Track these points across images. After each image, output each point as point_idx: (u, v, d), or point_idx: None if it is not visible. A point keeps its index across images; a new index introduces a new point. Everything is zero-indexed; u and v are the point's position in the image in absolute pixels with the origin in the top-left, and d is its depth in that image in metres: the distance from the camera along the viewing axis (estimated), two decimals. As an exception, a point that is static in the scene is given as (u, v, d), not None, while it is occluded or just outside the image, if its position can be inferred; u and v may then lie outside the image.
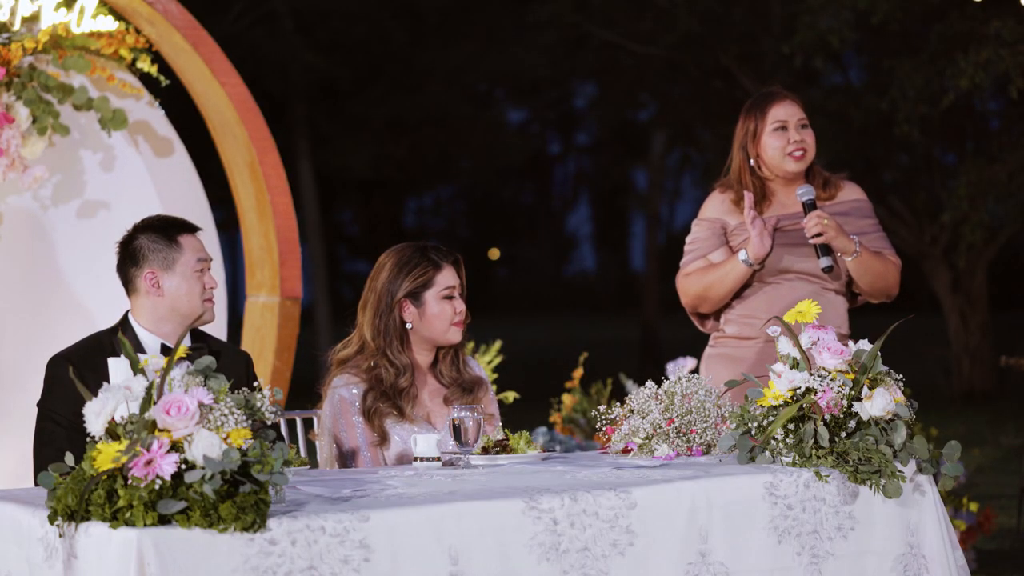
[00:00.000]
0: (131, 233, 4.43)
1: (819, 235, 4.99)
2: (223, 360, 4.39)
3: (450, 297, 4.54)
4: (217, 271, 5.73)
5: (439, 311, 4.53)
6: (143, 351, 4.32)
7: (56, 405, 4.23)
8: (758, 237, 5.00)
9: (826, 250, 5.02)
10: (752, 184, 5.14)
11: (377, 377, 4.50)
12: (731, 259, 5.08)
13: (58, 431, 4.21)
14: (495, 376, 7.95)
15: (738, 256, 5.05)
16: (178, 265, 4.37)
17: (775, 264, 5.09)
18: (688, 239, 5.23)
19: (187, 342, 4.40)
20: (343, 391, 4.50)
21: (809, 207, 5.01)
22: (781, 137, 5.10)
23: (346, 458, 4.49)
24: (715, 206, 5.20)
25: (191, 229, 4.45)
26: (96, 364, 3.89)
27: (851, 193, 5.23)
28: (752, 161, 5.15)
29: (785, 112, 5.11)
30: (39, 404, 4.34)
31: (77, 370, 4.11)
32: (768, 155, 5.12)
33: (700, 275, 5.15)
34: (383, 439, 4.47)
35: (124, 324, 4.42)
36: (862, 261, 5.07)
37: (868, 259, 5.08)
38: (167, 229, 4.41)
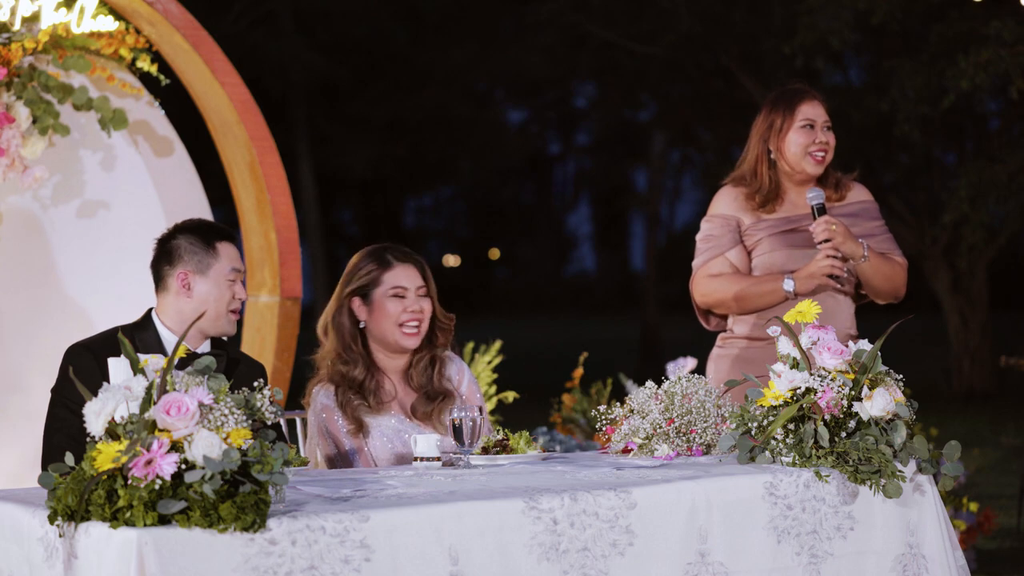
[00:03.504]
0: (171, 231, 4.45)
1: (827, 241, 4.97)
2: (241, 370, 4.40)
3: (399, 296, 4.56)
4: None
5: (386, 309, 4.57)
6: (163, 350, 4.34)
7: (71, 393, 4.23)
8: (819, 275, 4.99)
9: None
10: (768, 179, 5.12)
11: (339, 374, 4.58)
12: (773, 281, 5.02)
13: (71, 419, 4.21)
14: (495, 376, 7.95)
15: (784, 284, 5.02)
16: (212, 271, 4.37)
17: (787, 266, 5.07)
18: (701, 235, 5.18)
19: (207, 348, 4.42)
20: (322, 398, 4.59)
21: (818, 211, 5.00)
22: (807, 135, 5.07)
23: (334, 462, 4.52)
24: (728, 202, 5.17)
25: (231, 238, 4.45)
26: (115, 356, 3.89)
27: (859, 194, 5.22)
28: (772, 155, 5.12)
29: (814, 111, 5.09)
30: (53, 390, 4.35)
31: (96, 360, 4.13)
32: (790, 151, 5.08)
33: (730, 283, 5.09)
34: (359, 427, 4.52)
35: (146, 321, 4.42)
36: (871, 265, 5.05)
37: (877, 262, 5.07)
38: (207, 233, 4.42)
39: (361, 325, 4.60)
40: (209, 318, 4.37)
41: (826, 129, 5.09)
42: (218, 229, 4.46)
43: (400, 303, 4.57)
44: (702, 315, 5.26)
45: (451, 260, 43.41)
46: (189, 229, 4.44)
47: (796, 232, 5.09)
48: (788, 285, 5.01)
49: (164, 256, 4.42)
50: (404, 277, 4.59)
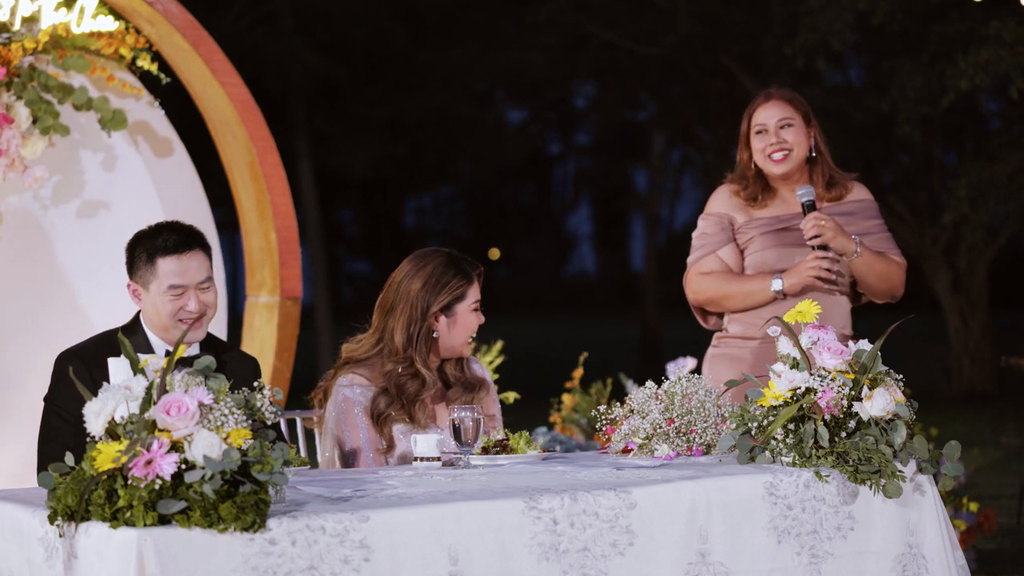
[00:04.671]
0: (133, 240, 4.42)
1: (816, 236, 4.99)
2: (231, 365, 4.39)
3: (476, 311, 4.56)
4: (217, 271, 5.73)
5: (466, 323, 4.54)
6: (152, 353, 4.33)
7: (64, 402, 4.23)
8: (806, 276, 5.00)
9: (823, 251, 5.02)
10: (755, 180, 5.16)
11: (398, 384, 4.49)
12: (761, 280, 5.05)
13: (65, 428, 4.21)
14: (496, 376, 7.96)
15: (771, 284, 5.04)
16: (152, 286, 4.34)
17: (779, 264, 5.09)
18: (696, 233, 5.23)
19: (196, 350, 4.41)
20: (347, 391, 4.50)
21: (808, 208, 5.01)
22: (762, 140, 5.14)
23: (347, 458, 4.49)
24: (723, 201, 5.21)
25: (178, 249, 4.33)
26: (105, 362, 3.91)
27: (858, 193, 5.24)
28: (749, 159, 5.18)
29: (766, 115, 5.14)
30: (46, 399, 4.35)
31: (86, 366, 4.14)
32: (755, 157, 5.16)
33: (720, 281, 5.12)
34: (390, 446, 4.47)
35: (135, 324, 4.43)
36: (864, 261, 5.07)
37: (870, 259, 5.08)
38: (152, 245, 4.34)
39: (435, 335, 4.55)
40: (157, 328, 4.38)
41: (781, 128, 5.11)
42: (167, 241, 4.34)
43: (477, 317, 4.57)
44: (699, 313, 5.28)
45: (451, 260, 43.18)
46: (142, 239, 4.38)
47: (788, 231, 5.12)
48: (776, 285, 5.03)
49: (126, 265, 4.42)
50: (478, 290, 4.60)
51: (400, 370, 4.49)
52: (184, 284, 4.32)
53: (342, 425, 4.49)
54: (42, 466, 4.23)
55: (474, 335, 4.59)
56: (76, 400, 4.10)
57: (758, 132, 5.14)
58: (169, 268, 4.32)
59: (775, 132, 5.11)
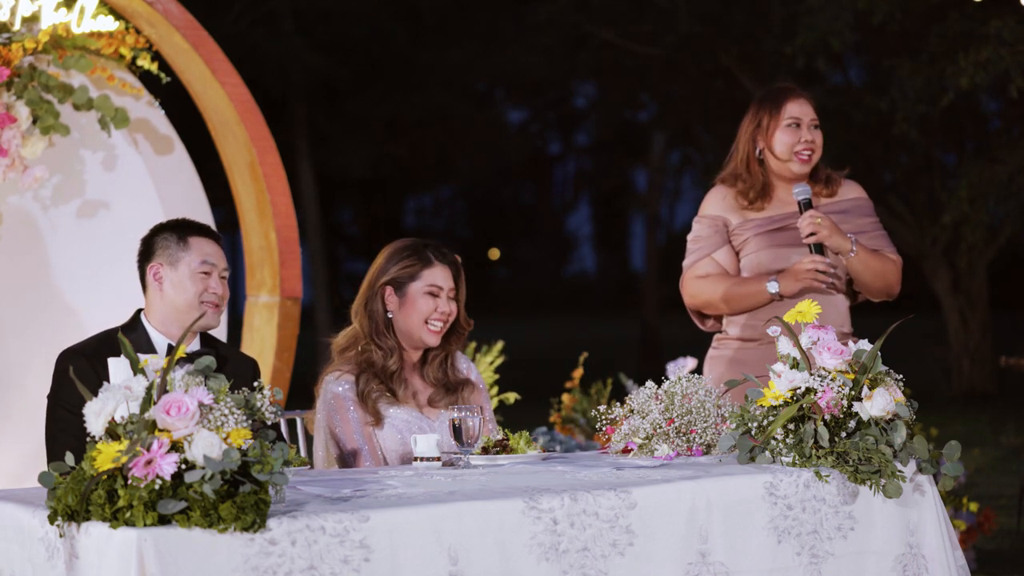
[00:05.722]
0: (151, 230, 4.54)
1: (812, 235, 4.98)
2: (230, 366, 4.42)
3: (434, 295, 4.57)
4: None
5: (419, 305, 4.57)
6: (153, 350, 4.35)
7: (68, 396, 4.25)
8: (803, 279, 4.98)
9: (819, 250, 5.00)
10: (757, 176, 5.12)
11: (368, 360, 4.58)
12: (758, 283, 5.03)
13: (72, 419, 4.22)
14: (496, 376, 7.96)
15: (768, 286, 5.02)
16: (182, 264, 4.43)
17: (774, 265, 5.08)
18: (691, 236, 5.21)
19: (196, 346, 4.44)
20: (334, 387, 4.55)
21: (805, 206, 5.00)
22: (793, 134, 5.08)
23: (345, 456, 4.51)
24: (717, 202, 5.18)
25: (208, 234, 4.51)
26: (107, 360, 3.92)
27: (851, 191, 5.23)
28: (759, 154, 5.13)
29: (800, 110, 5.09)
30: (50, 396, 4.37)
31: (90, 364, 4.15)
32: (778, 151, 5.09)
33: (716, 284, 5.10)
34: (377, 419, 4.50)
35: (135, 322, 4.45)
36: (860, 259, 5.05)
37: (866, 257, 5.07)
38: (182, 229, 4.51)
39: (389, 315, 4.61)
40: (180, 309, 4.42)
41: (813, 128, 5.09)
42: (195, 225, 4.54)
43: (433, 302, 4.59)
44: (696, 316, 5.27)
45: (451, 260, 43.18)
46: (167, 226, 4.54)
47: (782, 231, 5.10)
48: (772, 287, 5.01)
49: (143, 254, 4.52)
50: (441, 277, 4.61)
51: (361, 348, 4.59)
52: (215, 264, 4.47)
53: (334, 422, 4.52)
54: (54, 457, 4.26)
55: (436, 321, 4.59)
56: (80, 393, 4.11)
57: (790, 125, 5.08)
58: (203, 246, 4.47)
59: (808, 129, 5.08)
